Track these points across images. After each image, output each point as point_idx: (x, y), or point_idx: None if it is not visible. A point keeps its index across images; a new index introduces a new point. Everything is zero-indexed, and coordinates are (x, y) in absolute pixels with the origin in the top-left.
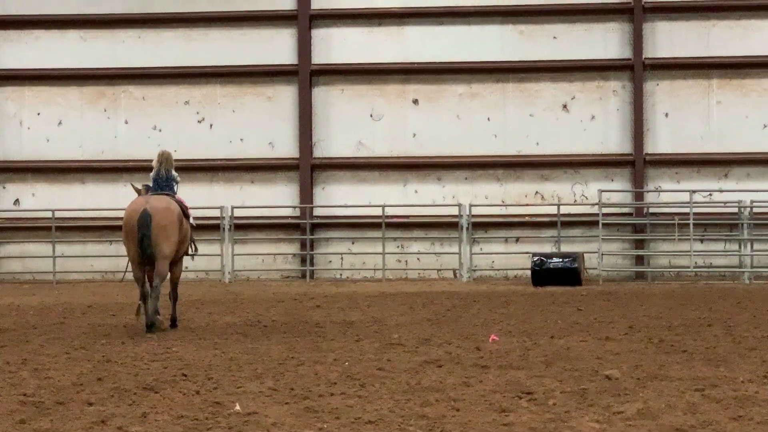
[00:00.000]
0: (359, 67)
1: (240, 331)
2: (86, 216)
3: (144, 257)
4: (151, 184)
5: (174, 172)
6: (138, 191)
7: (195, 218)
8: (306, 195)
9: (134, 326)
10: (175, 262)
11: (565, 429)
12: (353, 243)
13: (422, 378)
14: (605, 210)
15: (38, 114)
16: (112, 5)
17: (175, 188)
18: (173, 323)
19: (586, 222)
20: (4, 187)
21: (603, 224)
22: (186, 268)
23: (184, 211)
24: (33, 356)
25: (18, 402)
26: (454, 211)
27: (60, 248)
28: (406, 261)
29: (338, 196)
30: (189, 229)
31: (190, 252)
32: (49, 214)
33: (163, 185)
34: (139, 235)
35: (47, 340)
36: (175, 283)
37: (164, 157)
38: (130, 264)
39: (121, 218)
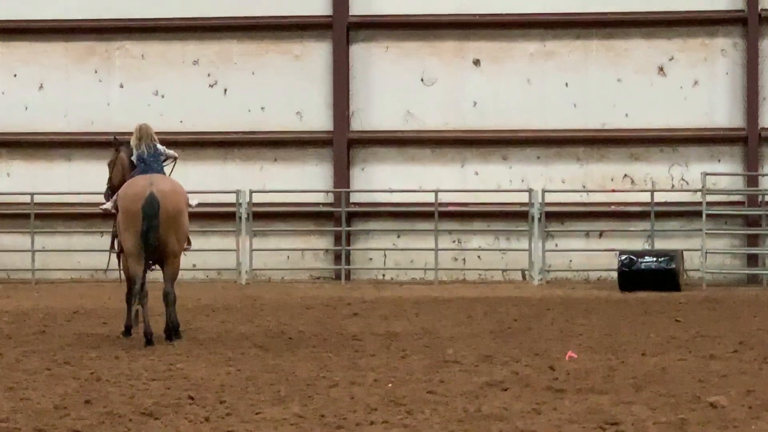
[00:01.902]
0: (407, 19)
1: (259, 344)
2: (72, 201)
3: (147, 252)
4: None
5: (161, 147)
6: (118, 147)
7: (202, 204)
8: (341, 177)
9: (132, 336)
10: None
11: None
12: (399, 237)
13: (483, 404)
14: (710, 198)
15: (14, 75)
16: None
17: (169, 166)
18: (175, 333)
19: (687, 213)
20: None
21: (707, 215)
22: (194, 266)
23: None
24: (7, 373)
25: None
26: (524, 198)
27: (40, 240)
28: (464, 259)
29: (381, 179)
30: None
31: (188, 244)
32: (27, 199)
33: (152, 163)
34: (144, 225)
35: (24, 354)
36: (173, 280)
37: (143, 132)
38: (122, 256)
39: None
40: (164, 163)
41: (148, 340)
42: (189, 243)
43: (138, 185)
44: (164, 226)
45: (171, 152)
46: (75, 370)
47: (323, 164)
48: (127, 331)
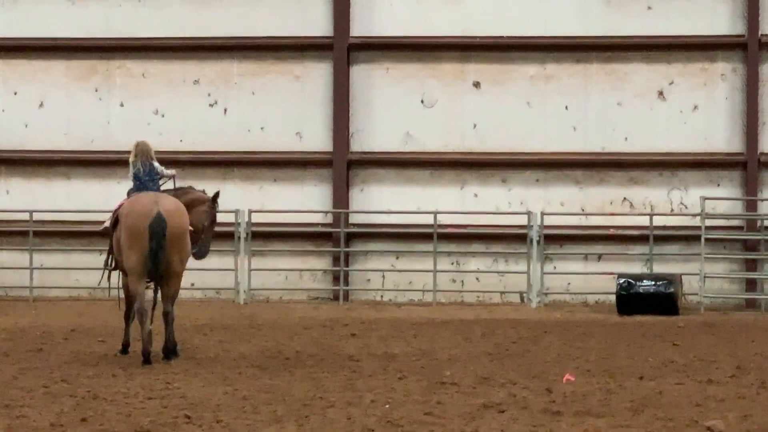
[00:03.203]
0: (408, 41)
1: (256, 364)
2: (71, 219)
3: (152, 272)
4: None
5: (158, 165)
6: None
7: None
8: (340, 198)
9: (129, 354)
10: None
11: None
12: (397, 258)
13: (480, 426)
14: (709, 222)
15: (15, 93)
16: None
17: (163, 184)
18: (172, 352)
19: (685, 237)
20: None
21: (706, 240)
22: (192, 285)
23: None
24: (4, 390)
25: None
26: (523, 220)
27: (39, 258)
28: (463, 281)
29: (380, 200)
30: None
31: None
32: (26, 216)
33: (147, 182)
34: (151, 245)
35: (21, 371)
36: (174, 300)
37: (141, 149)
38: (123, 274)
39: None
40: (161, 182)
41: (146, 359)
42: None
43: (143, 203)
44: (169, 246)
45: (168, 171)
46: (72, 388)
47: (322, 185)
48: (124, 349)
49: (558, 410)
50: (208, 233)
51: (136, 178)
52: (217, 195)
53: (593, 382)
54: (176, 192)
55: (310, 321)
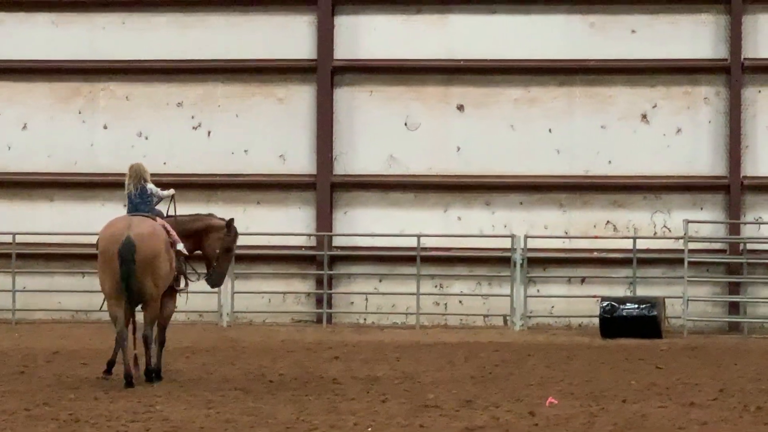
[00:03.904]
0: (392, 63)
1: (239, 387)
2: (54, 242)
3: (126, 296)
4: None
5: (152, 186)
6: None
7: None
8: (324, 220)
9: (112, 377)
10: (171, 297)
11: None
12: (381, 281)
13: None
14: (692, 245)
15: None
16: None
17: (155, 204)
18: (155, 375)
19: (669, 260)
20: None
21: (689, 263)
22: (175, 308)
23: (171, 236)
24: None
25: None
26: (506, 243)
27: (21, 280)
28: (446, 304)
29: (364, 223)
30: (173, 257)
31: (178, 287)
32: (8, 239)
33: (138, 204)
34: (121, 270)
35: (3, 394)
36: (164, 325)
37: (134, 171)
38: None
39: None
40: (159, 203)
41: (128, 382)
42: (187, 283)
43: (115, 227)
44: (140, 270)
45: (164, 192)
46: (54, 411)
47: (306, 207)
48: (109, 369)
49: None
50: (221, 261)
51: (129, 199)
52: (231, 222)
53: (576, 406)
54: (191, 218)
55: (293, 344)
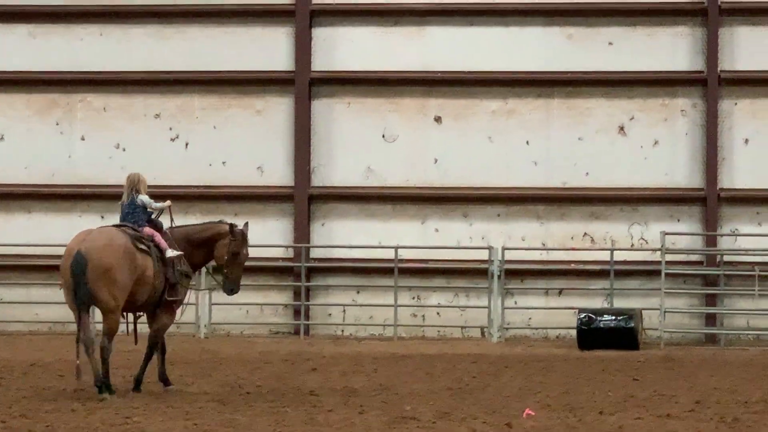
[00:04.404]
0: (369, 75)
1: (217, 399)
2: (32, 253)
3: (83, 307)
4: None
5: (144, 197)
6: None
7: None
8: (302, 232)
9: (87, 390)
10: (164, 309)
11: None
12: (358, 292)
13: None
14: (669, 257)
15: None
16: None
17: (150, 215)
18: (137, 385)
19: (646, 271)
20: None
21: (666, 275)
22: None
23: (159, 245)
24: None
25: None
26: (484, 255)
27: None
28: (424, 316)
29: (341, 234)
30: (157, 267)
31: (170, 297)
32: None
33: (126, 214)
34: (72, 283)
35: None
36: (154, 337)
37: (129, 181)
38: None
39: None
40: (154, 215)
41: (99, 389)
42: (183, 295)
43: (72, 242)
44: (93, 283)
45: (158, 204)
46: (31, 423)
47: (284, 219)
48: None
49: None
50: (232, 268)
51: (121, 210)
52: (232, 226)
53: (554, 417)
54: (201, 228)
55: (271, 355)
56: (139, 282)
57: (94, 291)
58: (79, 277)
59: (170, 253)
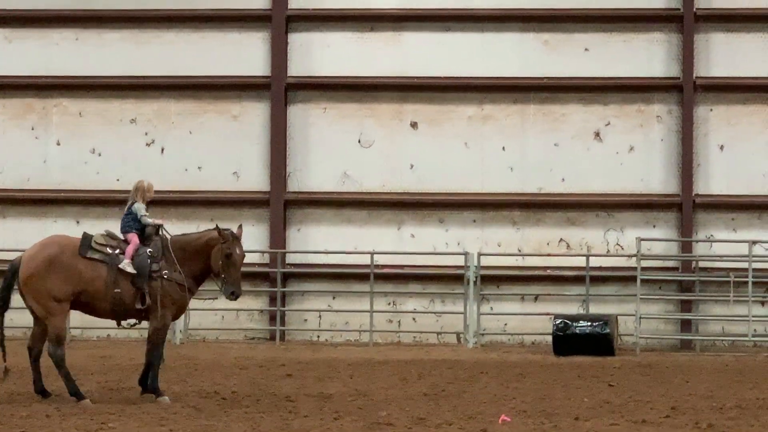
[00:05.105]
0: (346, 81)
1: (192, 404)
2: (6, 258)
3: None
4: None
5: (137, 207)
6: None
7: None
8: (277, 237)
9: (62, 395)
10: (152, 315)
11: None
12: (334, 298)
13: None
14: (645, 263)
15: None
16: None
17: (142, 226)
18: (144, 389)
19: (621, 278)
20: None
21: (642, 281)
22: (129, 325)
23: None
24: None
25: None
26: (460, 261)
27: None
28: (399, 321)
29: (317, 240)
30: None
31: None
32: None
33: (120, 220)
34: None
35: None
36: (147, 342)
37: (133, 188)
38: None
39: None
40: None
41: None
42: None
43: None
44: (21, 290)
45: (149, 220)
46: (5, 429)
47: (260, 224)
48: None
49: None
50: (227, 272)
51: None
52: (218, 229)
53: (529, 423)
54: (195, 237)
55: (246, 361)
56: (88, 292)
57: (22, 297)
58: (7, 280)
59: (123, 264)
